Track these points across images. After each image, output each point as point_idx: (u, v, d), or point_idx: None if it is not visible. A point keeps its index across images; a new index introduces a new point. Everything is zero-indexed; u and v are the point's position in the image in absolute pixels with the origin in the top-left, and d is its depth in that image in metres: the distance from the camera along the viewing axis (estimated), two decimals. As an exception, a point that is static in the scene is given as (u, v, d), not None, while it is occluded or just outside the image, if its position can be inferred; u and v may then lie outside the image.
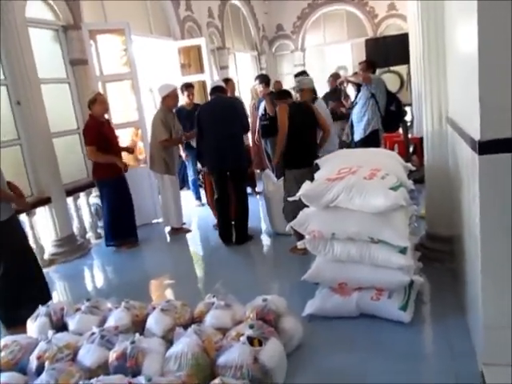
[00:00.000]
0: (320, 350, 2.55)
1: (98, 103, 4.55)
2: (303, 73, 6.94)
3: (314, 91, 4.67)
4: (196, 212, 6.05)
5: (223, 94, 4.62)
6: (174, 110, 5.13)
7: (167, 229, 5.29)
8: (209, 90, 4.72)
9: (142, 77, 6.13)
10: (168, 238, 5.19)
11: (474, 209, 2.07)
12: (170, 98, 4.91)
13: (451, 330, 2.54)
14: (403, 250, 2.62)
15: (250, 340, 2.23)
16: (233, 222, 4.61)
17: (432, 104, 3.31)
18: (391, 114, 5.23)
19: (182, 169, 6.47)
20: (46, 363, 2.23)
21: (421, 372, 2.32)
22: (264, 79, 6.47)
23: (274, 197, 4.52)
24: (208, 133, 4.40)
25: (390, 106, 5.21)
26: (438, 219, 3.43)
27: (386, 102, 5.20)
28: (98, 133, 4.52)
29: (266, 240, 4.77)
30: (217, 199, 4.55)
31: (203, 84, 7.55)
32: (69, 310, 2.90)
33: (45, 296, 3.22)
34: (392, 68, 8.77)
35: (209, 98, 4.73)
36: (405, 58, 7.91)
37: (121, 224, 4.77)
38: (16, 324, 3.03)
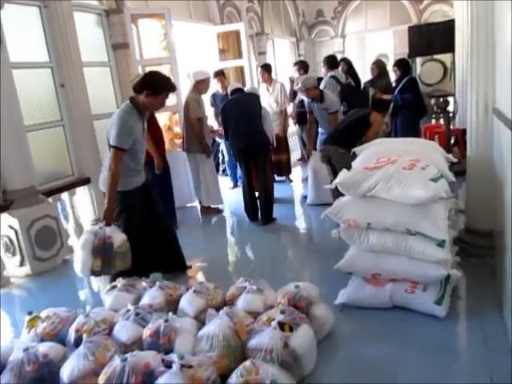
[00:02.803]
0: (351, 339, 2.54)
1: None
2: (343, 59, 6.83)
3: (317, 87, 5.08)
4: (231, 195, 6.07)
5: (242, 93, 5.04)
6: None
7: (199, 207, 5.45)
8: (229, 91, 5.11)
9: (181, 61, 6.18)
10: (201, 218, 5.30)
11: (519, 203, 1.99)
12: (203, 84, 5.13)
13: (487, 327, 2.47)
14: (441, 244, 2.55)
15: (281, 325, 2.24)
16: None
17: (478, 94, 3.18)
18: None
19: (214, 153, 6.53)
20: (84, 336, 2.31)
21: (453, 367, 2.27)
22: (302, 65, 6.41)
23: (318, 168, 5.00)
24: (232, 123, 4.77)
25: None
26: (479, 213, 3.33)
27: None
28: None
29: (299, 227, 4.76)
30: (243, 179, 4.92)
31: (241, 69, 7.54)
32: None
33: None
34: (435, 56, 8.44)
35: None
36: (449, 46, 7.61)
37: (164, 205, 4.87)
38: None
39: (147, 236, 3.35)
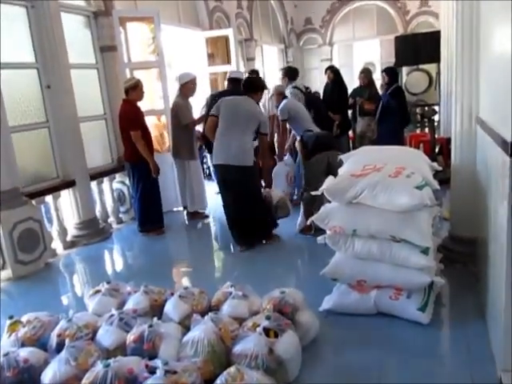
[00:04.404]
0: (335, 346, 2.55)
1: (138, 89, 4.66)
2: (329, 67, 6.88)
3: (281, 93, 5.51)
4: (217, 200, 6.03)
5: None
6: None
7: (185, 212, 5.46)
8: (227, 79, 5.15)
9: (169, 65, 6.19)
10: (187, 223, 5.31)
11: (502, 212, 2.02)
12: (187, 87, 5.11)
13: (470, 334, 2.50)
14: (425, 251, 2.58)
15: (266, 331, 2.24)
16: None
17: (462, 104, 3.24)
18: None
19: (201, 158, 6.53)
20: (66, 341, 2.27)
21: (437, 374, 2.29)
22: (288, 73, 6.43)
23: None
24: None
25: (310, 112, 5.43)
26: (463, 221, 3.37)
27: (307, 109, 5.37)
28: (140, 117, 4.66)
29: (285, 233, 4.76)
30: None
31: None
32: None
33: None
34: (421, 66, 8.60)
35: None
36: (435, 57, 7.76)
37: (151, 209, 4.85)
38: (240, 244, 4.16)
39: None
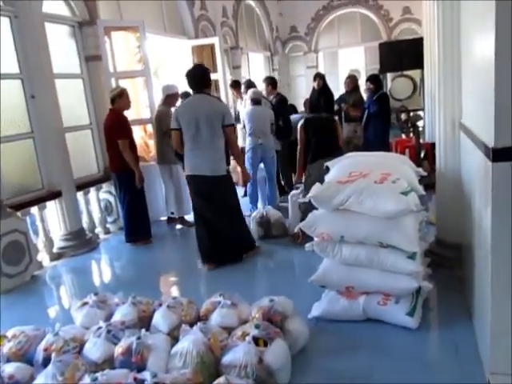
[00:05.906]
0: (325, 353, 2.54)
1: (124, 97, 4.65)
2: (318, 74, 6.93)
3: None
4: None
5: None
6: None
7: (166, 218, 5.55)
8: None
9: (155, 74, 6.20)
10: (177, 233, 5.32)
11: (486, 217, 2.05)
12: (171, 98, 5.27)
13: (458, 337, 2.52)
14: (412, 256, 2.60)
15: (256, 340, 2.23)
16: None
17: (445, 109, 3.29)
18: (279, 129, 5.76)
19: None
20: (53, 355, 2.24)
21: (426, 378, 2.29)
22: (270, 81, 6.48)
23: None
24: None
25: (278, 122, 5.73)
26: (448, 226, 3.41)
27: (275, 119, 5.64)
28: (127, 126, 4.66)
29: (273, 242, 4.76)
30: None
31: (215, 83, 7.56)
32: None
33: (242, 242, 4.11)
34: (405, 72, 8.70)
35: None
36: (418, 63, 7.84)
37: (138, 219, 4.82)
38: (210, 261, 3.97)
39: None
